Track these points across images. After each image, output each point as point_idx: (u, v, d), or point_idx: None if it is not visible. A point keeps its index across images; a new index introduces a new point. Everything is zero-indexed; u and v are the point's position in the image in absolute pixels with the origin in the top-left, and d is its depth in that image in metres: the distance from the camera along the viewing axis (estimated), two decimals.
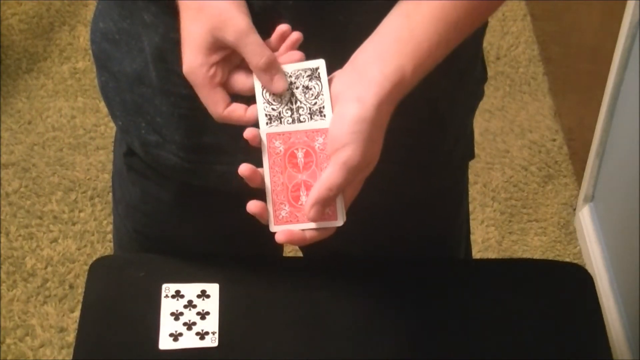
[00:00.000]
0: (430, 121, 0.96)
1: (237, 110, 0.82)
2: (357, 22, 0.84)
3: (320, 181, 0.80)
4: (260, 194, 0.83)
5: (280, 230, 0.82)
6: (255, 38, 0.79)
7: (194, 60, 0.80)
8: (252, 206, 0.82)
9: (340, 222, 0.82)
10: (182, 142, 0.96)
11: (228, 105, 0.81)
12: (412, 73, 0.80)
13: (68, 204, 2.06)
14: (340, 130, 0.79)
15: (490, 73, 2.36)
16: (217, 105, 0.81)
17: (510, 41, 2.46)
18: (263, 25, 0.82)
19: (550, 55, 2.39)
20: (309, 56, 0.84)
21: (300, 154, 0.82)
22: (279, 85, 0.81)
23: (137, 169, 1.05)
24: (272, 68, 0.80)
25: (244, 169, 0.81)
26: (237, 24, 0.79)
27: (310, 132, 0.82)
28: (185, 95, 0.91)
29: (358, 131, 0.78)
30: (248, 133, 0.81)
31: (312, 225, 0.82)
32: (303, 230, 0.82)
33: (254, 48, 0.79)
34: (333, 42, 0.84)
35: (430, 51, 0.81)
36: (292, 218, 0.83)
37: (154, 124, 0.92)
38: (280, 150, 0.82)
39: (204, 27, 0.79)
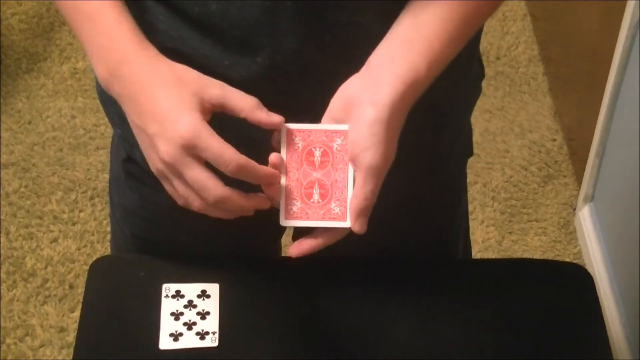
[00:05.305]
0: (428, 119, 0.96)
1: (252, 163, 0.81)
2: (358, 22, 0.84)
3: (355, 194, 0.81)
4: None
5: (292, 247, 0.83)
6: (234, 89, 0.81)
7: (193, 120, 0.79)
8: (270, 192, 0.82)
9: (348, 223, 0.83)
10: None
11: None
12: (426, 71, 0.81)
13: (68, 204, 2.06)
14: (359, 134, 0.80)
15: (490, 73, 2.37)
16: (232, 150, 0.80)
17: (510, 41, 2.46)
18: (263, 27, 0.82)
19: (550, 55, 2.38)
20: (309, 58, 0.84)
21: (317, 153, 0.83)
22: (276, 119, 0.81)
23: (136, 176, 1.05)
24: (262, 106, 0.81)
25: (275, 157, 0.82)
26: (214, 82, 0.81)
27: (330, 132, 0.83)
28: None
29: (375, 134, 0.79)
30: (277, 119, 0.81)
31: (321, 223, 0.83)
32: (314, 238, 0.84)
33: (239, 95, 0.81)
34: (334, 43, 0.84)
35: (442, 48, 0.81)
36: (302, 214, 0.83)
37: None
38: (299, 147, 0.83)
39: (188, 92, 0.80)
